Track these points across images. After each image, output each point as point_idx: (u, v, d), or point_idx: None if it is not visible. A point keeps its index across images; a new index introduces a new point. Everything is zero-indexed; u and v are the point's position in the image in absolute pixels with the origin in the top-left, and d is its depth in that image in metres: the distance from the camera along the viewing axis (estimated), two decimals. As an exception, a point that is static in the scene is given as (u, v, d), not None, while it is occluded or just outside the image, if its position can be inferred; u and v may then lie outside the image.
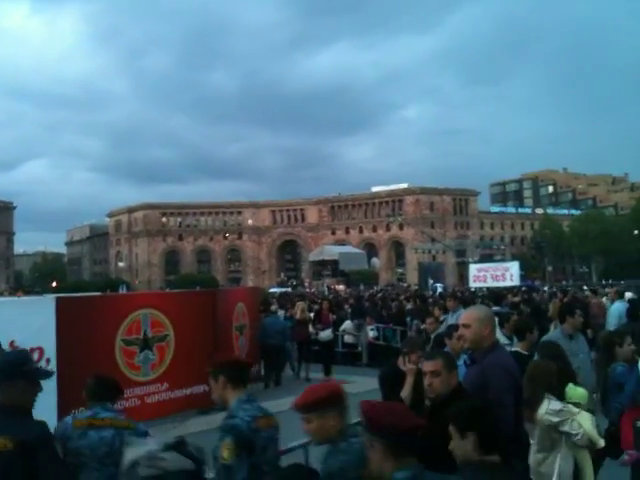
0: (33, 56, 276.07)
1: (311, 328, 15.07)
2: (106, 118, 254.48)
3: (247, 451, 3.26)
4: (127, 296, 15.74)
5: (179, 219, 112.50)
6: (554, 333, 6.65)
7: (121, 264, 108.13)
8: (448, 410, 2.94)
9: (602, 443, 4.30)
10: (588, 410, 4.40)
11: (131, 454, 2.59)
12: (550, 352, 5.05)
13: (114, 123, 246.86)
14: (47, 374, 3.34)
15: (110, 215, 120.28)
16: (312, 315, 15.81)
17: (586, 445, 4.22)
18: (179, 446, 2.65)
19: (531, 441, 4.27)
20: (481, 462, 2.64)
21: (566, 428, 4.14)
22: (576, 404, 4.35)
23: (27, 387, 3.15)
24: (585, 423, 4.22)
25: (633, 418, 4.99)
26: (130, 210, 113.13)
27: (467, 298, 14.67)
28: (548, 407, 4.17)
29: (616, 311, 9.75)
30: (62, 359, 8.72)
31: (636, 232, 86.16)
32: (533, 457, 4.25)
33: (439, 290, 29.20)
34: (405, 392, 4.23)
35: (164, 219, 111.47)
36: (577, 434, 4.14)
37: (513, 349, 5.72)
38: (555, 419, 4.13)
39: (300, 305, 15.53)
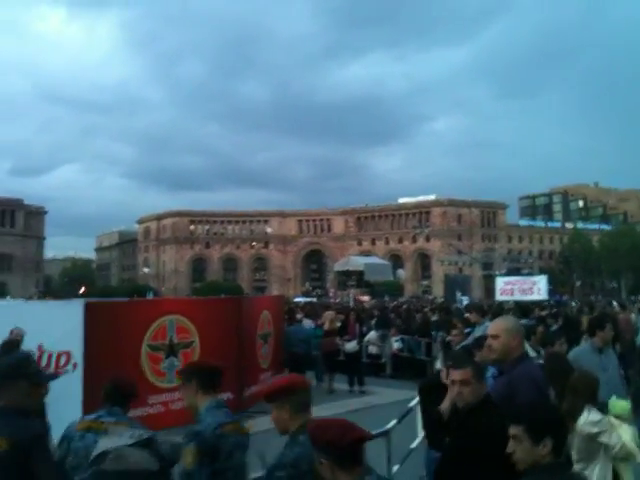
0: (70, 61, 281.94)
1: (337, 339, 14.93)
2: (139, 125, 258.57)
3: (210, 457, 3.27)
4: (154, 302, 15.87)
5: (207, 227, 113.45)
6: (584, 346, 6.57)
7: (146, 270, 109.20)
8: (512, 414, 2.88)
9: None
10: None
11: (103, 445, 2.63)
12: (557, 365, 5.04)
13: (147, 130, 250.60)
14: (50, 377, 3.38)
15: (139, 222, 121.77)
16: (339, 325, 15.57)
17: (625, 457, 4.24)
18: (150, 444, 2.70)
19: (571, 452, 4.27)
20: (555, 464, 2.61)
21: (604, 439, 4.18)
22: (617, 416, 4.38)
23: (30, 389, 3.21)
24: (625, 435, 4.25)
25: None
26: (159, 217, 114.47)
27: (495, 310, 14.48)
28: (588, 418, 4.23)
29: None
30: (89, 363, 8.81)
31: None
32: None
33: (465, 302, 28.92)
34: (445, 405, 4.21)
35: (192, 227, 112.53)
36: (615, 446, 4.17)
37: (540, 361, 5.65)
38: (594, 430, 4.19)
39: (329, 315, 15.40)
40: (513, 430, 2.67)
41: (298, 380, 3.31)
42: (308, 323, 16.57)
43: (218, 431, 3.37)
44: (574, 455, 4.27)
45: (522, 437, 2.62)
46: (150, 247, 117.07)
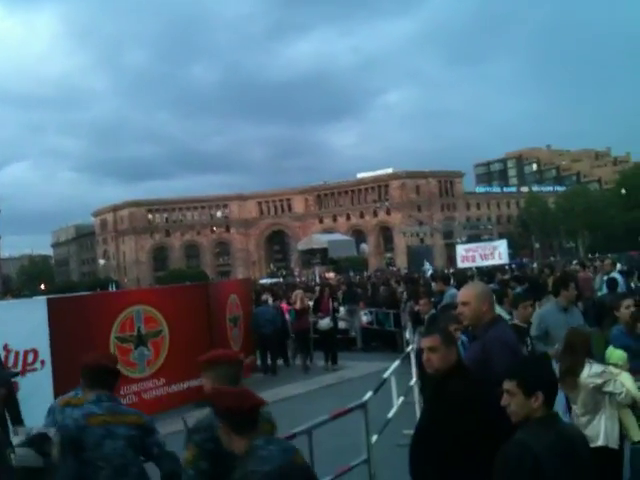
0: (11, 57, 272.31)
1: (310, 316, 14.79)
2: (87, 117, 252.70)
3: (74, 448, 3.42)
4: (119, 294, 15.66)
5: (165, 215, 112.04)
6: (549, 306, 6.69)
7: (102, 262, 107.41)
8: (507, 370, 2.99)
9: None
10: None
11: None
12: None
13: (96, 121, 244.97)
14: (10, 375, 3.37)
15: (95, 214, 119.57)
16: (311, 303, 15.38)
17: (629, 403, 4.49)
18: (39, 442, 2.88)
19: (573, 407, 4.54)
20: (547, 416, 2.75)
21: (610, 388, 4.42)
22: (615, 365, 4.66)
23: None
24: (627, 382, 4.51)
25: None
26: (115, 208, 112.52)
27: (459, 278, 14.67)
28: (591, 370, 4.46)
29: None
30: (57, 360, 8.67)
31: (621, 205, 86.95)
32: (577, 422, 4.44)
33: (429, 272, 29.28)
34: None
35: (150, 216, 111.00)
36: (621, 393, 4.42)
37: (512, 322, 5.78)
38: (599, 380, 4.42)
39: (299, 294, 15.15)
40: (507, 385, 2.80)
41: (222, 354, 3.50)
42: (274, 304, 16.57)
43: (82, 422, 3.48)
44: (579, 409, 4.49)
45: (515, 391, 2.75)
46: (108, 239, 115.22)
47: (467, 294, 4.11)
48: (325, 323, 14.29)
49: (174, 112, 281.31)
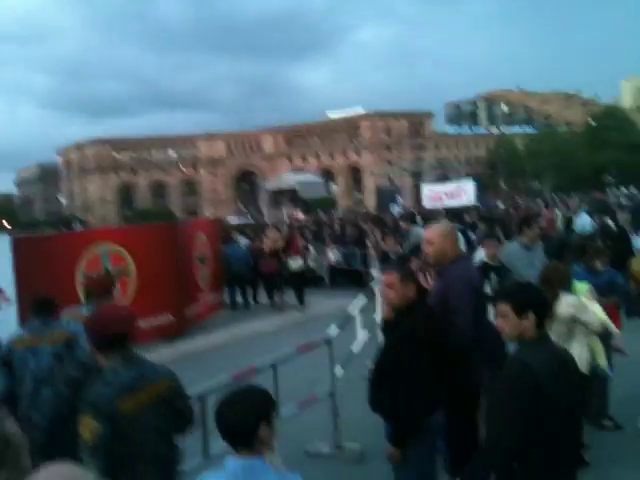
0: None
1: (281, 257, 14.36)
2: (53, 52, 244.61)
3: (6, 367, 4.18)
4: (85, 233, 15.51)
5: (132, 154, 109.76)
6: (513, 244, 6.83)
7: (63, 201, 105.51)
8: (498, 291, 3.33)
9: (616, 331, 5.12)
10: None
11: None
12: None
13: (62, 57, 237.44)
14: None
15: (60, 152, 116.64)
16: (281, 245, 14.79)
17: (601, 332, 4.85)
18: None
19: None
20: (538, 336, 2.88)
21: (584, 317, 4.71)
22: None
23: None
24: (599, 312, 4.90)
25: None
26: (80, 146, 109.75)
27: (425, 217, 14.80)
28: (565, 301, 4.73)
29: (579, 222, 10.06)
30: (22, 298, 8.63)
31: (588, 146, 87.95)
32: None
33: (397, 211, 29.43)
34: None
35: (116, 154, 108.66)
36: (594, 322, 4.74)
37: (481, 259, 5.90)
38: (572, 310, 4.70)
39: (273, 235, 14.78)
40: (500, 307, 2.94)
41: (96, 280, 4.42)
42: (244, 242, 16.58)
43: (10, 346, 4.24)
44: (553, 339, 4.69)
45: (508, 312, 2.89)
46: (73, 177, 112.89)
47: (432, 234, 4.19)
48: (296, 264, 14.12)
49: (142, 48, 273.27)
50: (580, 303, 4.79)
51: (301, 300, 13.78)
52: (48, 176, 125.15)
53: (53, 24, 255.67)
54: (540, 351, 2.81)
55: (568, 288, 4.91)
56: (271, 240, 14.36)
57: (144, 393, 2.90)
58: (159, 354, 6.82)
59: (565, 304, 4.73)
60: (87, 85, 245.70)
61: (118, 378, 2.85)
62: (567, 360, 2.95)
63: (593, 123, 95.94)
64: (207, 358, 9.16)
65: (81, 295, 4.64)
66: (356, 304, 6.92)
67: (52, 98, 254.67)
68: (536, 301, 2.92)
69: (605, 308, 5.21)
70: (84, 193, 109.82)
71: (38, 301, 4.37)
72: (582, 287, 5.16)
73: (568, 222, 10.46)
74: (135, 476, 2.85)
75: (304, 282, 14.25)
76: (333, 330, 5.77)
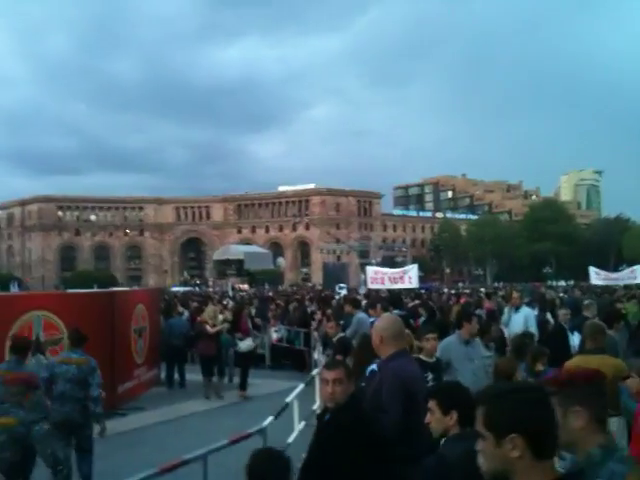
0: None
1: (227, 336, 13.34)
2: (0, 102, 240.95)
3: None
4: (19, 297, 14.94)
5: (76, 213, 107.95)
6: (451, 338, 6.89)
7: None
8: (429, 389, 3.49)
9: None
10: None
11: None
12: None
13: (9, 108, 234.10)
14: None
15: (2, 207, 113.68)
16: (224, 320, 13.67)
17: None
18: None
19: None
20: (462, 433, 3.01)
21: None
22: None
23: None
24: None
25: None
26: (23, 202, 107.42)
27: (370, 302, 14.77)
28: None
29: (522, 317, 10.16)
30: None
31: (527, 237, 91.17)
32: None
33: (343, 292, 29.57)
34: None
35: (60, 213, 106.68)
36: None
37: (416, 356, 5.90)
38: None
39: (211, 311, 13.46)
40: (429, 403, 3.17)
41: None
42: (186, 315, 16.28)
43: None
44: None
45: (434, 409, 3.13)
46: (14, 234, 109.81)
47: (376, 326, 4.31)
48: (246, 345, 13.16)
49: (92, 106, 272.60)
50: None
51: (244, 383, 12.64)
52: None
53: (1, 73, 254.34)
54: (460, 446, 2.86)
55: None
56: (209, 318, 13.11)
57: None
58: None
59: None
60: (32, 139, 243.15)
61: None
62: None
63: (530, 212, 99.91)
64: (137, 439, 8.77)
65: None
66: (294, 392, 6.81)
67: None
68: (460, 400, 3.09)
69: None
70: (24, 251, 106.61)
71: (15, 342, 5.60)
72: None
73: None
74: None
75: (250, 363, 13.33)
76: (268, 420, 5.64)
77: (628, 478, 2.07)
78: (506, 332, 10.00)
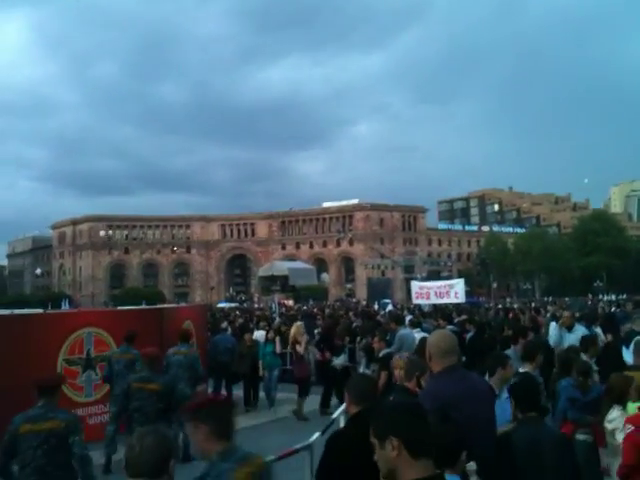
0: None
1: (318, 355, 12.75)
2: (52, 126, 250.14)
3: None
4: (70, 314, 15.31)
5: (125, 232, 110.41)
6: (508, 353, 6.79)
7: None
8: None
9: None
10: None
11: None
12: None
13: (60, 132, 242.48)
14: None
15: (54, 227, 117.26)
16: (306, 337, 12.97)
17: None
18: None
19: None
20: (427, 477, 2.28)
21: (618, 435, 4.79)
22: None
23: None
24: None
25: (567, 432, 5.46)
26: (75, 222, 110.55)
27: (415, 320, 14.50)
28: (609, 415, 4.94)
29: (576, 337, 9.76)
30: (2, 379, 8.44)
31: (577, 250, 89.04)
32: None
33: (389, 307, 29.40)
34: None
35: (110, 232, 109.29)
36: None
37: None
38: (611, 426, 4.90)
39: (300, 329, 12.64)
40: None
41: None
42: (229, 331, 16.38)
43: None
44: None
45: (374, 443, 2.36)
46: (65, 253, 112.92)
47: (430, 341, 4.18)
48: (341, 360, 12.46)
49: (141, 129, 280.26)
50: (619, 419, 4.81)
51: (326, 401, 12.02)
52: (40, 250, 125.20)
53: (54, 98, 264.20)
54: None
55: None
56: (298, 335, 12.37)
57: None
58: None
59: (608, 418, 4.91)
60: (84, 161, 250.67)
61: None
62: None
63: (579, 225, 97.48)
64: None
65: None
66: (340, 408, 6.78)
67: (49, 172, 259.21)
68: (397, 422, 2.35)
69: (592, 427, 5.12)
70: (75, 269, 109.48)
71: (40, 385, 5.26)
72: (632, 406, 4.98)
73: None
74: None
75: (344, 380, 12.38)
76: (315, 436, 5.62)
77: (237, 473, 2.89)
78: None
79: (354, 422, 3.56)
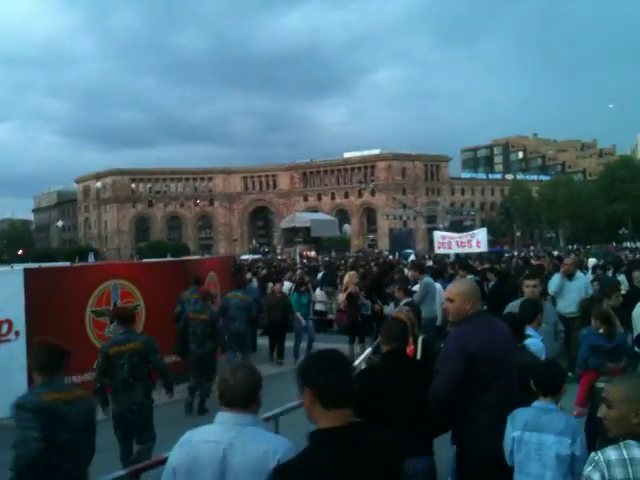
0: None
1: (369, 305, 12.44)
2: (73, 79, 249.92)
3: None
4: (96, 267, 15.58)
5: (149, 185, 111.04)
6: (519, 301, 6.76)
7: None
8: None
9: None
10: None
11: None
12: None
13: (81, 84, 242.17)
14: None
15: (78, 181, 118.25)
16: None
17: None
18: None
19: None
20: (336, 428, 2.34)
21: None
22: None
23: None
24: None
25: (588, 380, 5.59)
26: (98, 176, 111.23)
27: (436, 269, 14.47)
28: None
29: (577, 286, 9.71)
30: (32, 331, 8.66)
31: (603, 197, 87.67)
32: None
33: (412, 258, 29.40)
34: None
35: (133, 185, 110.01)
36: None
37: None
38: None
39: (352, 276, 12.91)
40: None
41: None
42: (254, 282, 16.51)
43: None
44: None
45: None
46: (90, 207, 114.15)
47: (452, 292, 4.14)
48: (391, 309, 12.90)
49: (161, 79, 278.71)
50: None
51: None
52: (65, 204, 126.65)
53: (73, 50, 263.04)
54: None
55: None
56: (351, 284, 12.53)
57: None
58: (160, 394, 6.77)
59: None
60: (105, 114, 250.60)
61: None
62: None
63: (605, 172, 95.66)
64: (211, 403, 9.10)
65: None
66: (362, 356, 6.89)
67: (71, 125, 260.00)
68: (309, 372, 2.46)
69: (613, 374, 5.13)
70: (100, 223, 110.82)
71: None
72: None
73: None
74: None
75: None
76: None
77: None
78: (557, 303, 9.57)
79: (383, 359, 4.13)
